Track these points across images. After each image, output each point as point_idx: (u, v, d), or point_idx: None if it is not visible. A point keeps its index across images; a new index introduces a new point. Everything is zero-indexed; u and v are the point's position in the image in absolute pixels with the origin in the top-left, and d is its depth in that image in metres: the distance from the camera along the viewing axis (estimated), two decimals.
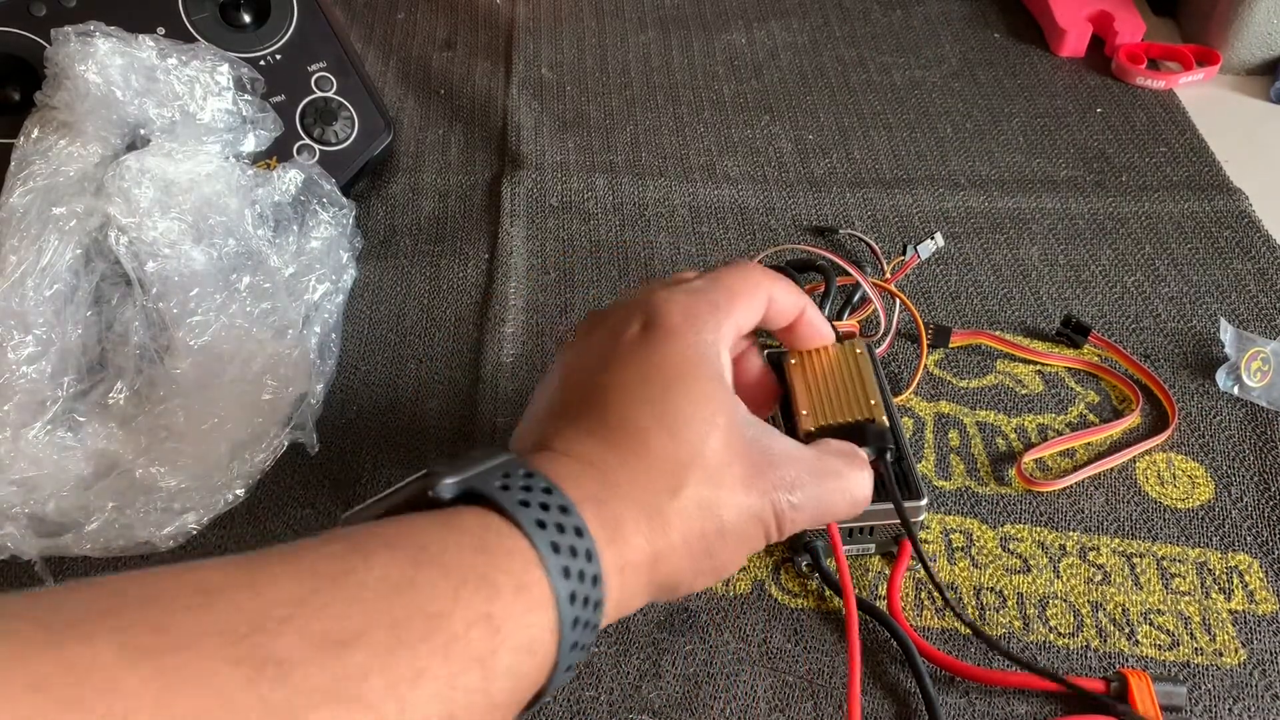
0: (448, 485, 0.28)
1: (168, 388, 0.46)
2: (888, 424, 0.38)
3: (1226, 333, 0.51)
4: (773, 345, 0.43)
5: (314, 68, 0.60)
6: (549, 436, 0.32)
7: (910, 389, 0.51)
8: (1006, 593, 0.43)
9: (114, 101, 0.48)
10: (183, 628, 0.22)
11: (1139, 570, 0.43)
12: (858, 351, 0.40)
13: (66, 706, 0.19)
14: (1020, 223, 0.61)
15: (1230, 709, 0.39)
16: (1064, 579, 0.43)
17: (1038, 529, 0.45)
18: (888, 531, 0.42)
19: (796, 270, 0.54)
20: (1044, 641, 0.41)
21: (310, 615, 0.23)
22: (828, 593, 0.43)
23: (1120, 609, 0.42)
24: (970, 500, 0.46)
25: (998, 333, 0.53)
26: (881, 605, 0.42)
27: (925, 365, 0.52)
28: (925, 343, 0.52)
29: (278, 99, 0.58)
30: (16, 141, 0.48)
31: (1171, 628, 0.41)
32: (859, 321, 0.53)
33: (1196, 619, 0.42)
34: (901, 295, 0.53)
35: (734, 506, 0.31)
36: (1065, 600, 0.42)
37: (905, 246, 0.57)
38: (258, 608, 0.23)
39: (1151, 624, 0.42)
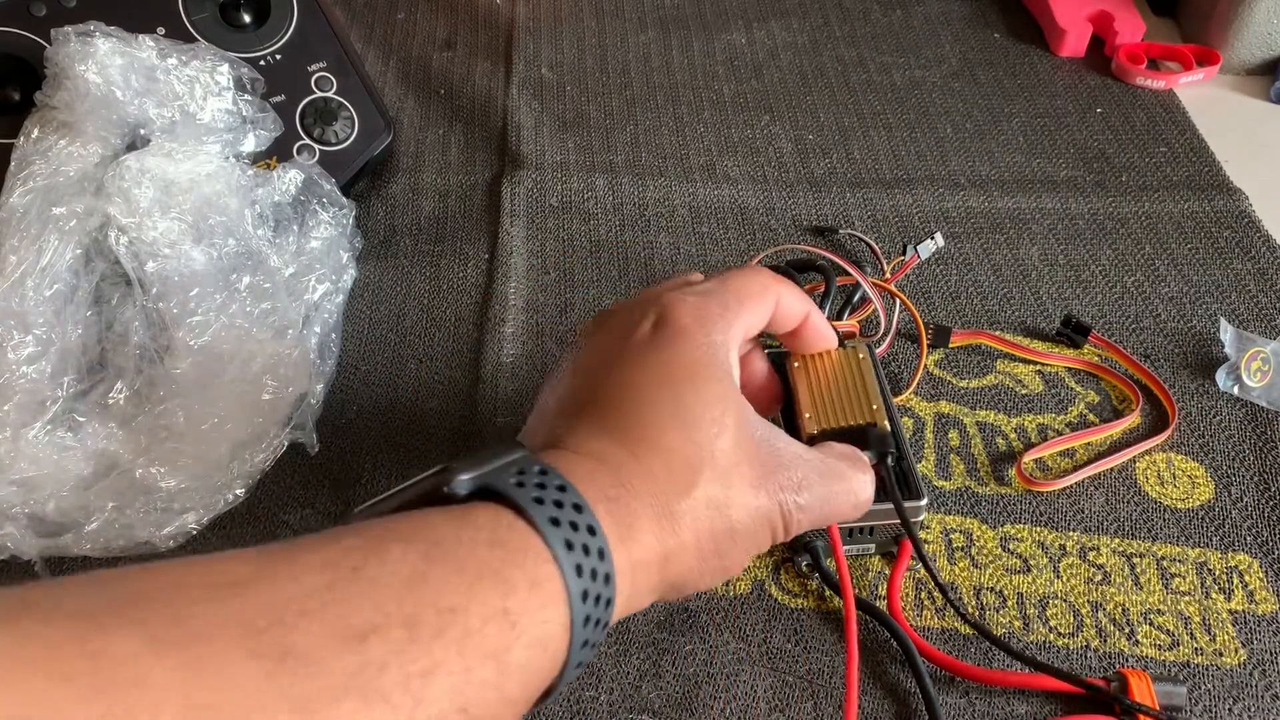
0: (462, 481, 0.28)
1: (168, 388, 0.46)
2: (889, 428, 0.39)
3: (1226, 333, 0.51)
4: (773, 345, 0.43)
5: (314, 68, 0.60)
6: (560, 434, 0.32)
7: (910, 389, 0.51)
8: (1006, 593, 0.43)
9: (114, 101, 0.48)
10: (204, 619, 0.22)
11: (1139, 570, 0.43)
12: (860, 356, 0.40)
13: (95, 696, 0.20)
14: (1020, 223, 0.61)
15: (1230, 709, 0.39)
16: (1064, 579, 0.43)
17: (1038, 529, 0.45)
18: (888, 531, 0.42)
19: (796, 270, 0.54)
20: (1044, 641, 0.41)
21: (328, 608, 0.23)
22: (828, 593, 0.43)
23: (1120, 609, 0.42)
24: (970, 500, 0.46)
25: (998, 333, 0.53)
26: (881, 605, 0.42)
27: (925, 365, 0.52)
28: (925, 343, 0.52)
29: (278, 99, 0.58)
30: (16, 141, 0.48)
31: (1171, 628, 0.41)
32: (859, 321, 0.53)
33: (1196, 619, 0.42)
34: (901, 295, 0.53)
35: (743, 507, 0.32)
36: (1065, 600, 0.42)
37: (905, 246, 0.57)
38: (277, 600, 0.23)
39: (1151, 624, 0.42)
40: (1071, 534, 0.45)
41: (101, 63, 0.48)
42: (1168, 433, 0.48)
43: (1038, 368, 0.52)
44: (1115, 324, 0.54)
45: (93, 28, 0.49)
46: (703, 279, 0.37)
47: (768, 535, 0.33)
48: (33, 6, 0.53)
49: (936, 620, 0.42)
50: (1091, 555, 0.44)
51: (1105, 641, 0.41)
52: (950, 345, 0.53)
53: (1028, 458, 0.47)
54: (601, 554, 0.28)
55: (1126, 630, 0.41)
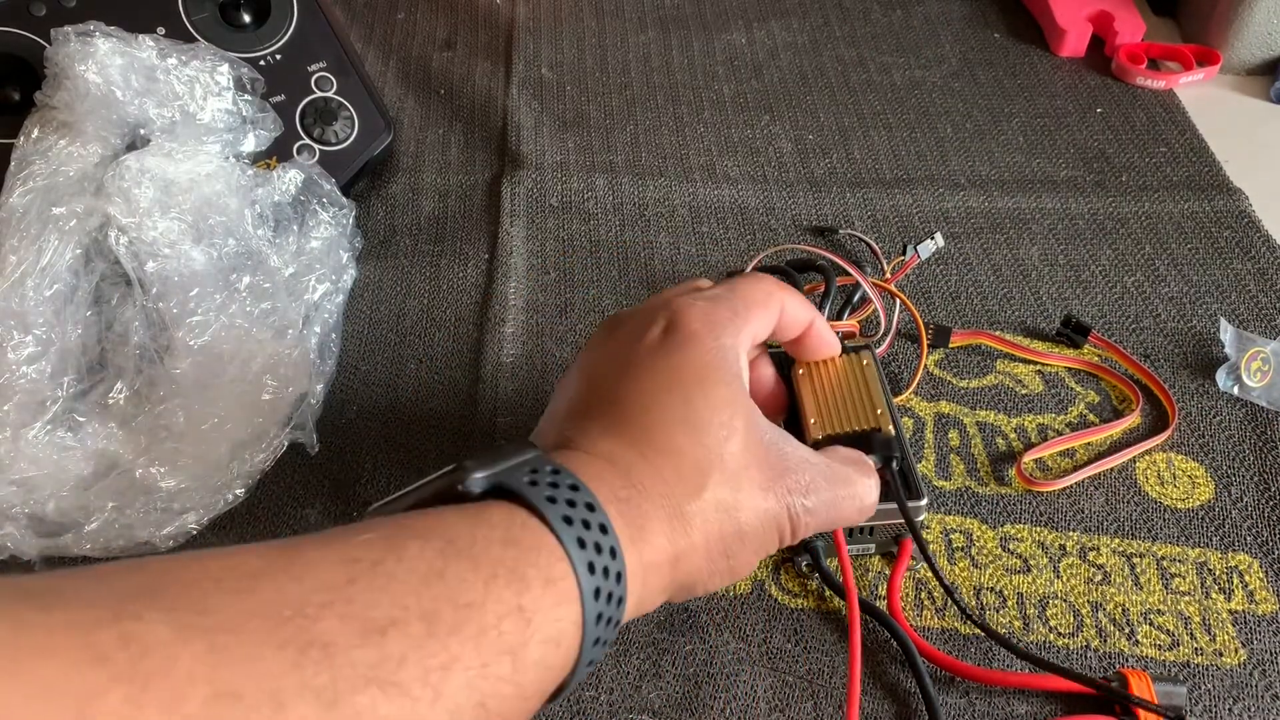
0: (477, 480, 0.29)
1: (168, 388, 0.46)
2: (894, 433, 0.39)
3: (1226, 333, 0.51)
4: (774, 346, 0.43)
5: (314, 68, 0.60)
6: (571, 435, 0.33)
7: (910, 389, 0.51)
8: (1006, 593, 0.43)
9: (114, 101, 0.48)
10: (230, 609, 0.22)
11: (1139, 570, 0.43)
12: (864, 363, 0.41)
13: (127, 678, 0.20)
14: (1020, 223, 0.61)
15: (1230, 709, 0.39)
16: (1064, 579, 0.43)
17: (1038, 529, 0.45)
18: (888, 531, 0.42)
19: (796, 270, 0.54)
20: (1044, 641, 0.41)
21: (348, 602, 0.24)
22: (828, 593, 0.43)
23: (1120, 609, 0.42)
24: (970, 500, 0.46)
25: (998, 333, 0.53)
26: (881, 605, 0.42)
27: (925, 365, 0.52)
28: (925, 343, 0.52)
29: (278, 99, 0.58)
30: (16, 141, 0.48)
31: (1171, 628, 0.41)
32: (859, 321, 0.53)
33: (1196, 619, 0.42)
34: (901, 295, 0.53)
35: (752, 509, 0.32)
36: (1065, 600, 0.42)
37: (905, 246, 0.57)
38: (299, 593, 0.23)
39: (1151, 624, 0.42)
40: (1071, 534, 0.45)
41: (101, 63, 0.48)
42: (1168, 433, 0.48)
43: (1038, 368, 0.52)
44: (1115, 324, 0.54)
45: (93, 28, 0.49)
46: (711, 285, 0.38)
47: (775, 538, 0.33)
48: (33, 6, 0.53)
49: (936, 620, 0.42)
50: (1091, 555, 0.44)
51: (1105, 641, 0.41)
52: (950, 345, 0.53)
53: (1028, 458, 0.47)
54: (613, 553, 0.28)
55: (1126, 630, 0.41)
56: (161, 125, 0.49)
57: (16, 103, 0.53)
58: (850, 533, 0.42)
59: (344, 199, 0.57)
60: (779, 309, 0.37)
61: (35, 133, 0.48)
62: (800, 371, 0.41)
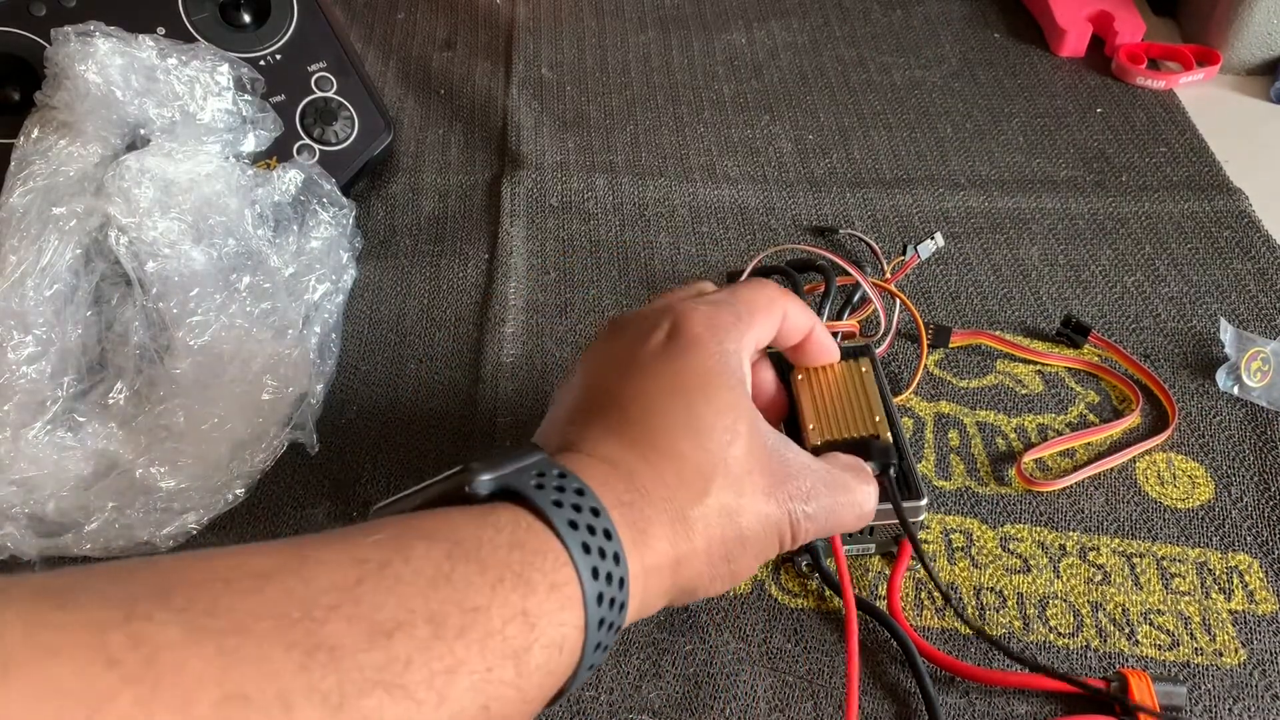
0: (483, 482, 0.29)
1: (168, 388, 0.46)
2: (891, 440, 0.39)
3: (1226, 333, 0.51)
4: (771, 352, 0.43)
5: (314, 68, 0.60)
6: (574, 439, 0.33)
7: (910, 389, 0.51)
8: (1006, 593, 0.43)
9: (114, 101, 0.48)
10: (238, 610, 0.22)
11: (1139, 570, 0.43)
12: (864, 370, 0.41)
13: (138, 682, 0.20)
14: (1020, 223, 0.61)
15: (1230, 709, 0.39)
16: (1064, 579, 0.43)
17: (1038, 529, 0.45)
18: (888, 532, 0.42)
19: (796, 270, 0.54)
20: (1044, 641, 0.41)
21: (355, 603, 0.24)
22: (828, 593, 0.43)
23: (1120, 609, 0.42)
24: (970, 500, 0.46)
25: (998, 333, 0.53)
26: (881, 605, 0.42)
27: (925, 365, 0.52)
28: (925, 343, 0.52)
29: (278, 99, 0.58)
30: (16, 141, 0.48)
31: (1171, 628, 0.41)
32: (859, 321, 0.53)
33: (1196, 619, 0.42)
34: (901, 295, 0.53)
35: (754, 514, 0.32)
36: (1065, 600, 0.42)
37: (905, 246, 0.57)
38: (306, 594, 0.23)
39: (1151, 624, 0.42)
40: (1071, 534, 0.45)
41: (101, 63, 0.48)
42: (1168, 433, 0.48)
43: (1038, 368, 0.52)
44: (1115, 324, 0.54)
45: (93, 28, 0.49)
46: (714, 289, 0.38)
47: (776, 543, 0.34)
48: (33, 6, 0.53)
49: (936, 620, 0.42)
50: (1091, 555, 0.44)
51: (1105, 641, 0.41)
52: (950, 345, 0.53)
53: (1028, 458, 0.47)
54: (617, 558, 0.29)
55: (1126, 630, 0.41)
56: (161, 125, 0.49)
57: (16, 103, 0.53)
58: (850, 533, 0.42)
59: (344, 199, 0.57)
60: (781, 315, 0.37)
61: (35, 133, 0.48)
62: (800, 377, 0.41)
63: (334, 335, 0.53)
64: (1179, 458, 0.48)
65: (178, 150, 0.49)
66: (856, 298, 0.53)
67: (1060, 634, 0.41)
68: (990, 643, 0.40)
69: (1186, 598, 0.42)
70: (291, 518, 0.46)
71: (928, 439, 0.49)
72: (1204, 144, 0.66)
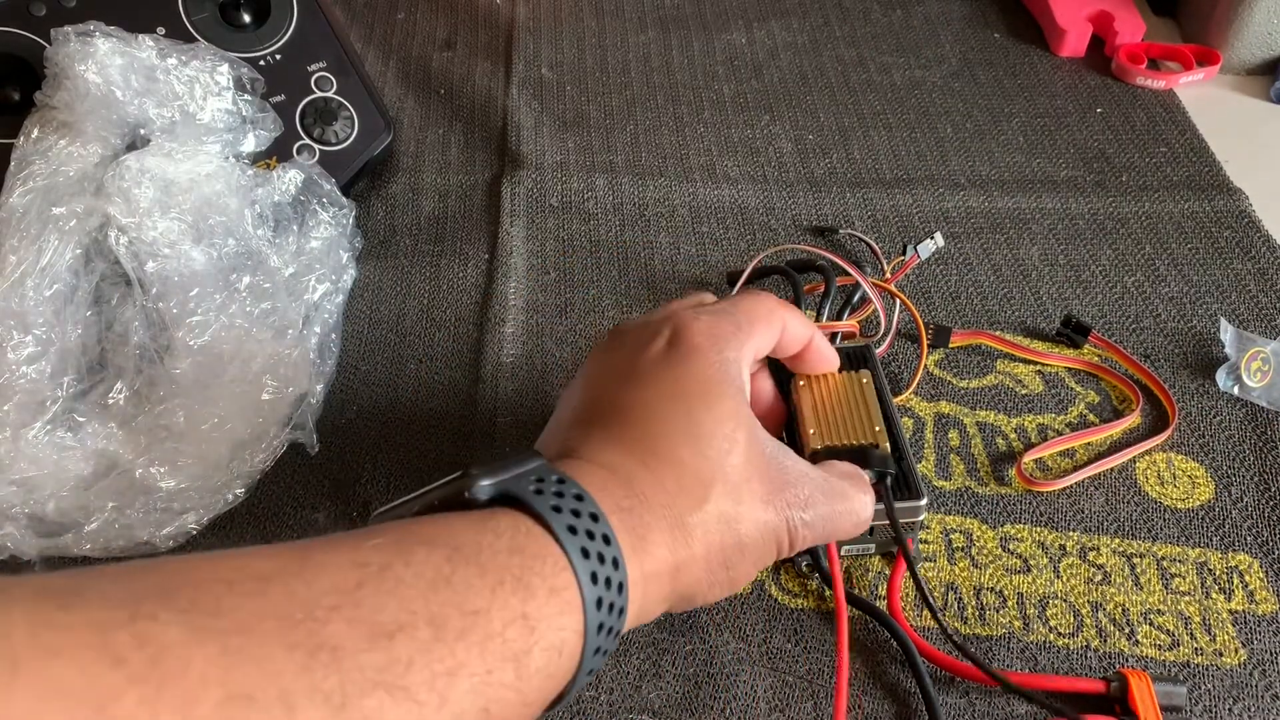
0: (484, 487, 0.29)
1: (168, 388, 0.46)
2: (890, 449, 0.40)
3: (1226, 333, 0.51)
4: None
5: (314, 68, 0.60)
6: (574, 445, 0.33)
7: (910, 389, 0.51)
8: (1006, 593, 0.43)
9: (114, 101, 0.48)
10: (241, 611, 0.23)
11: (1139, 570, 0.43)
12: (864, 381, 0.42)
13: (143, 681, 0.20)
14: (1020, 223, 0.61)
15: (1230, 709, 0.39)
16: (1064, 579, 0.43)
17: (1038, 529, 0.45)
18: (887, 533, 0.42)
19: (796, 270, 0.54)
20: (1044, 641, 0.41)
21: (356, 605, 0.24)
22: (828, 593, 0.43)
23: (1120, 609, 0.42)
24: (970, 500, 0.46)
25: (998, 333, 0.53)
26: (881, 605, 0.42)
27: (925, 365, 0.52)
28: (925, 343, 0.52)
29: (278, 99, 0.58)
30: (16, 141, 0.48)
31: (1171, 628, 0.41)
32: (859, 321, 0.53)
33: (1196, 619, 0.42)
34: (901, 295, 0.53)
35: (752, 521, 0.32)
36: (1065, 600, 0.42)
37: (905, 246, 0.57)
38: (308, 596, 0.24)
39: (1151, 624, 0.42)
40: (1071, 534, 0.45)
41: (101, 63, 0.48)
42: (1168, 433, 0.48)
43: (1038, 368, 0.52)
44: (1115, 324, 0.54)
45: (93, 28, 0.49)
46: (714, 299, 0.39)
47: (774, 550, 0.34)
48: (33, 6, 0.53)
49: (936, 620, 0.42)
50: (1091, 555, 0.44)
51: (1105, 642, 0.41)
52: (950, 345, 0.53)
53: (1028, 458, 0.47)
54: (616, 563, 0.29)
55: (1126, 630, 0.41)
56: (161, 125, 0.49)
57: (16, 103, 0.53)
58: None
59: (344, 199, 0.57)
60: (781, 326, 0.38)
61: (35, 133, 0.48)
62: (800, 383, 0.42)
63: (334, 335, 0.53)
64: (1179, 458, 0.48)
65: (178, 150, 0.49)
66: (856, 298, 0.53)
67: (1060, 634, 0.41)
68: (971, 659, 0.39)
69: (1186, 598, 0.42)
70: (291, 518, 0.46)
71: (928, 439, 0.49)
72: (1204, 144, 0.66)
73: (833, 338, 0.51)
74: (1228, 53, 0.72)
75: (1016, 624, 0.42)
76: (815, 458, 0.39)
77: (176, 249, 0.48)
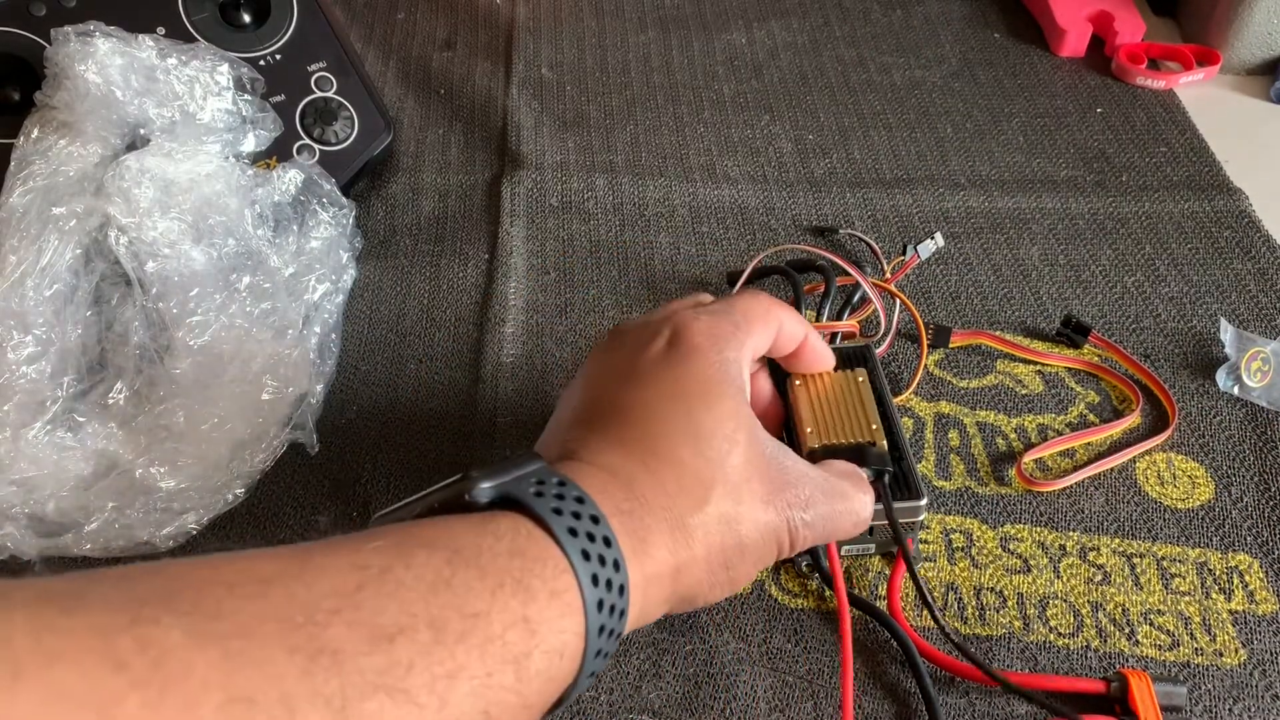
0: (484, 490, 0.29)
1: (168, 388, 0.46)
2: (886, 447, 0.40)
3: (1226, 333, 0.51)
4: None
5: (314, 68, 0.60)
6: (575, 446, 0.33)
7: (910, 389, 0.51)
8: (1006, 593, 0.43)
9: (114, 101, 0.48)
10: (242, 615, 0.23)
11: (1139, 570, 0.43)
12: (860, 380, 0.42)
13: (145, 685, 0.20)
14: (1020, 223, 0.61)
15: (1230, 709, 0.39)
16: (1064, 579, 0.43)
17: (1038, 529, 0.45)
18: (887, 532, 0.42)
19: (796, 270, 0.54)
20: (1044, 641, 0.41)
21: (356, 608, 0.24)
22: (828, 593, 0.43)
23: (1120, 609, 0.42)
24: (970, 500, 0.46)
25: (998, 333, 0.53)
26: (881, 605, 0.42)
27: (925, 365, 0.52)
28: (925, 343, 0.52)
29: (278, 99, 0.58)
30: (16, 141, 0.48)
31: (1171, 628, 0.41)
32: (859, 321, 0.53)
33: (1196, 619, 0.42)
34: (901, 295, 0.53)
35: (753, 522, 0.32)
36: (1065, 600, 0.42)
37: (905, 246, 0.57)
38: (309, 599, 0.24)
39: (1151, 624, 0.42)
40: (1071, 534, 0.45)
41: (101, 63, 0.48)
42: (1168, 433, 0.48)
43: (1038, 368, 0.52)
44: (1115, 324, 0.54)
45: (93, 28, 0.49)
46: (711, 300, 0.39)
47: (774, 550, 0.34)
48: (33, 6, 0.53)
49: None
50: (1091, 555, 0.44)
51: (1105, 642, 0.41)
52: (950, 345, 0.53)
53: (1028, 458, 0.47)
54: (617, 565, 0.29)
55: (1127, 630, 0.41)
56: (161, 125, 0.49)
57: (16, 103, 0.53)
58: None
59: (344, 199, 0.57)
60: (777, 325, 0.38)
61: (35, 133, 0.48)
62: (796, 383, 0.42)
63: (334, 335, 0.53)
64: (1179, 458, 0.48)
65: (178, 150, 0.49)
66: (856, 298, 0.53)
67: (1060, 634, 0.41)
68: (970, 659, 0.39)
69: (1186, 598, 0.42)
70: (291, 518, 0.46)
71: (928, 439, 0.49)
72: (1204, 144, 0.66)
73: (833, 338, 0.51)
74: (1228, 53, 0.72)
75: (1016, 624, 0.42)
76: (813, 457, 0.39)
77: (176, 249, 0.48)
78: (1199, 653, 0.41)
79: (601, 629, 0.28)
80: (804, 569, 0.43)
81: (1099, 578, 0.43)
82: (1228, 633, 0.41)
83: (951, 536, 0.45)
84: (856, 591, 0.43)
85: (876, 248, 0.58)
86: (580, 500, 0.29)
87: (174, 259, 0.47)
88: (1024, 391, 0.51)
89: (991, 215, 0.62)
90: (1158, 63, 0.73)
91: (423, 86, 0.73)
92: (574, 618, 0.27)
